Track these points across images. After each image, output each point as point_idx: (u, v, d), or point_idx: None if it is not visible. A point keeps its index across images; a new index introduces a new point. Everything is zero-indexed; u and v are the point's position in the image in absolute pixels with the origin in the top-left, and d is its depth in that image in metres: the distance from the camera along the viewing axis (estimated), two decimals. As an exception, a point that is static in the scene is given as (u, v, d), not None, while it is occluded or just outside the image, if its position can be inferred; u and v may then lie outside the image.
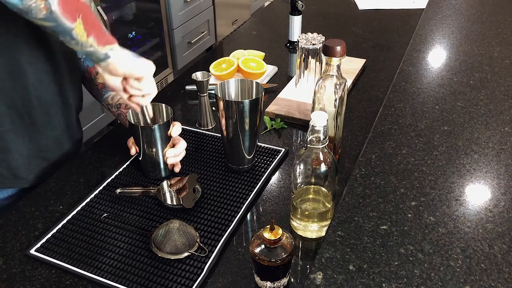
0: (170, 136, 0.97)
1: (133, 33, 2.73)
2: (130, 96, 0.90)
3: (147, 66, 0.86)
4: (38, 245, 0.85)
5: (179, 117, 1.26)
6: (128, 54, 0.84)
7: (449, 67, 1.23)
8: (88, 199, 0.95)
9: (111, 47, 0.82)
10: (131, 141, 1.02)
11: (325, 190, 0.85)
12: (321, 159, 0.80)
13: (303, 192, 0.86)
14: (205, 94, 1.15)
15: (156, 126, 0.94)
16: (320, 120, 0.76)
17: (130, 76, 0.86)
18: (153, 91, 0.91)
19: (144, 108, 0.95)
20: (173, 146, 1.00)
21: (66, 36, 0.77)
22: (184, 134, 1.13)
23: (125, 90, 0.88)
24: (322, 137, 0.77)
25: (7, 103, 0.93)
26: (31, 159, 1.01)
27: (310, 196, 0.87)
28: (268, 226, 0.73)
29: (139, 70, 0.85)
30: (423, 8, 1.71)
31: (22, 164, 1.00)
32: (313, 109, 1.00)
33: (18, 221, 0.91)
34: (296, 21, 1.57)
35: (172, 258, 0.81)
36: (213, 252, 0.82)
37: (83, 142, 1.21)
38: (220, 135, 1.06)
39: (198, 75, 1.13)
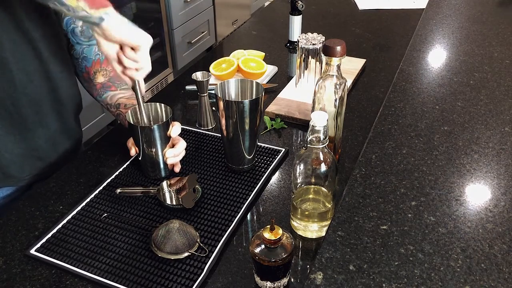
0: (170, 136, 0.97)
1: (133, 33, 2.73)
2: (124, 68, 0.87)
3: (145, 36, 0.83)
4: (38, 245, 0.85)
5: (179, 117, 1.26)
6: (125, 21, 0.81)
7: (449, 67, 1.23)
8: (88, 199, 0.95)
9: (106, 10, 0.78)
10: (130, 141, 1.02)
11: (325, 190, 0.85)
12: (321, 159, 0.80)
13: (303, 192, 0.86)
14: (205, 94, 1.15)
15: (155, 126, 0.94)
16: (320, 120, 0.76)
17: (126, 44, 0.83)
18: (148, 66, 0.88)
19: (137, 82, 0.90)
20: (173, 146, 1.00)
21: (55, 1, 0.74)
22: (184, 134, 1.13)
23: (119, 61, 0.86)
24: (322, 137, 0.77)
25: None
26: (24, 158, 1.01)
27: (310, 196, 0.87)
28: (268, 226, 0.73)
29: (136, 38, 0.82)
30: (423, 8, 1.71)
31: (13, 163, 0.99)
32: (313, 109, 1.00)
33: (18, 221, 0.91)
34: (296, 21, 1.57)
35: (172, 258, 0.81)
36: (213, 252, 0.82)
37: (83, 142, 1.21)
38: (220, 135, 1.06)
39: (198, 75, 1.13)
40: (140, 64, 0.86)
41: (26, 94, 0.95)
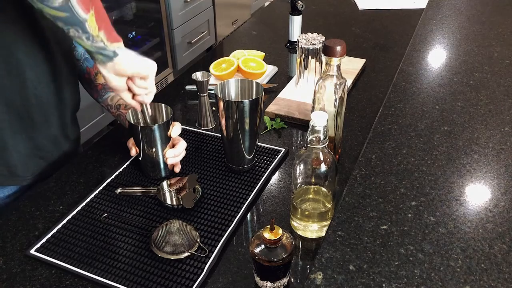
0: (170, 137, 0.97)
1: (133, 33, 2.73)
2: (134, 95, 0.91)
3: (152, 65, 0.88)
4: (38, 245, 0.85)
5: (179, 117, 1.26)
6: (134, 54, 0.85)
7: (449, 67, 1.23)
8: (88, 199, 0.95)
9: (119, 45, 0.82)
10: (131, 142, 1.02)
11: (325, 190, 0.85)
12: (321, 159, 0.80)
13: (303, 192, 0.86)
14: (205, 94, 1.15)
15: (155, 126, 0.94)
16: (320, 120, 0.76)
17: (137, 75, 0.87)
18: (154, 89, 0.93)
19: (145, 106, 0.95)
20: (173, 146, 1.00)
21: (78, 28, 0.76)
22: (184, 134, 1.13)
23: (129, 89, 0.89)
24: (322, 137, 0.77)
25: (6, 101, 0.92)
26: (28, 157, 1.01)
27: (310, 196, 0.87)
28: (268, 226, 0.73)
29: (146, 69, 0.87)
30: (423, 8, 1.71)
31: (20, 162, 1.00)
32: (313, 109, 1.00)
33: (18, 221, 0.91)
34: (296, 21, 1.57)
35: (172, 258, 0.81)
36: (213, 252, 0.82)
37: (83, 142, 1.21)
38: (220, 135, 1.06)
39: (198, 75, 1.13)
40: (150, 89, 0.91)
41: (35, 94, 0.96)
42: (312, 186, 0.85)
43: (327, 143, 0.79)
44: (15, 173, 1.01)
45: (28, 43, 0.92)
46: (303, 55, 1.26)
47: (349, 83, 1.33)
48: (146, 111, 0.96)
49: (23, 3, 0.87)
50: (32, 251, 0.84)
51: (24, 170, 1.02)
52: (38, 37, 0.93)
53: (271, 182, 1.01)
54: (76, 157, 1.10)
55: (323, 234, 0.83)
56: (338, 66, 0.93)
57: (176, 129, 0.98)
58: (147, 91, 0.90)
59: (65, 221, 0.90)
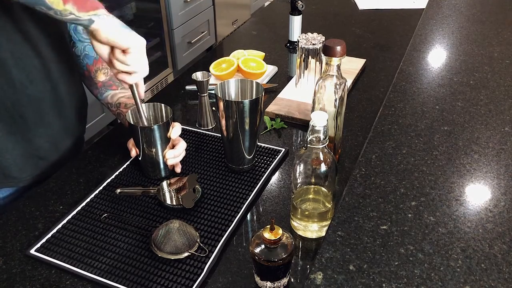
0: (170, 138, 0.97)
1: (133, 33, 2.73)
2: (118, 72, 0.86)
3: (134, 39, 0.82)
4: (38, 245, 0.85)
5: (179, 117, 1.26)
6: (116, 23, 0.80)
7: (449, 67, 1.23)
8: (88, 199, 0.95)
9: (96, 12, 0.78)
10: (131, 143, 1.02)
11: (325, 190, 0.85)
12: (321, 159, 0.80)
13: (303, 192, 0.86)
14: (205, 94, 1.15)
15: (155, 127, 0.94)
16: (320, 120, 0.76)
17: (115, 46, 0.81)
18: (142, 70, 0.86)
19: (134, 86, 0.89)
20: (173, 146, 1.00)
21: (42, 6, 0.73)
22: (184, 134, 1.12)
23: (111, 63, 0.84)
24: (322, 137, 0.77)
25: None
26: (24, 158, 1.00)
27: (310, 196, 0.87)
28: (268, 226, 0.73)
29: (125, 41, 0.80)
30: (423, 8, 1.71)
31: (14, 164, 0.99)
32: (313, 109, 1.00)
33: (18, 221, 0.91)
34: (296, 21, 1.57)
35: (172, 258, 0.81)
36: (213, 252, 0.82)
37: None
38: (220, 135, 1.06)
39: (198, 75, 1.13)
40: (132, 67, 0.84)
41: (27, 94, 0.94)
42: (312, 186, 0.85)
43: (327, 143, 0.79)
44: (9, 174, 1.00)
45: (13, 42, 0.89)
46: (303, 55, 1.26)
47: (349, 83, 1.33)
48: (135, 91, 0.89)
49: (2, 1, 0.84)
50: (32, 251, 0.84)
51: (20, 171, 1.01)
52: (23, 35, 0.90)
53: (271, 182, 1.01)
54: (78, 156, 1.10)
55: (323, 234, 0.83)
56: (338, 66, 0.93)
57: (176, 130, 0.98)
58: (128, 68, 0.83)
59: (65, 221, 0.90)
